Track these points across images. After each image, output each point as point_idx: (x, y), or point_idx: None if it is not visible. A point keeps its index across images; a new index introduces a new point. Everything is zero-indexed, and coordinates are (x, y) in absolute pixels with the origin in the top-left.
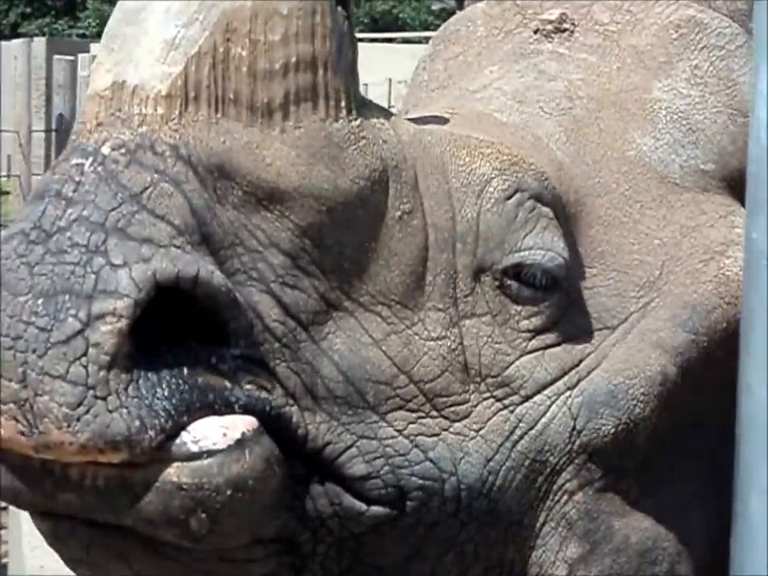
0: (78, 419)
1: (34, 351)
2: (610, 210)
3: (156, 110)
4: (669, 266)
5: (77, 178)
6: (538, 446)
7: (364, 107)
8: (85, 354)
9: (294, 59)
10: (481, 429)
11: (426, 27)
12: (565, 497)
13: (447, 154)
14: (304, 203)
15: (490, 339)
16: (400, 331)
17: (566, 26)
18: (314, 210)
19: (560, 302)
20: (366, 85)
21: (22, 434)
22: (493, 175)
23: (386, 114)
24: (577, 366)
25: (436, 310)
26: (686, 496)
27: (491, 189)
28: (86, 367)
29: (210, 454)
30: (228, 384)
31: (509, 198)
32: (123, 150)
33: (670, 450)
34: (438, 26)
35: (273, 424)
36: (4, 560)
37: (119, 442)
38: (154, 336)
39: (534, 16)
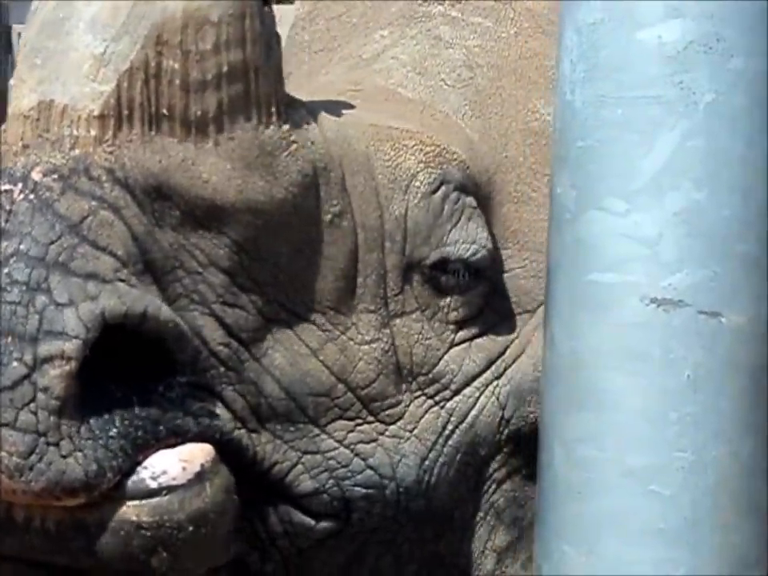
0: (31, 468)
1: None
2: (519, 186)
3: (89, 131)
4: None
5: (7, 207)
6: (469, 438)
7: (289, 107)
8: (33, 400)
9: (225, 68)
10: (414, 429)
11: None
12: (494, 486)
13: (371, 149)
14: (241, 218)
15: (420, 336)
16: (335, 338)
17: None
18: (251, 223)
19: (484, 291)
20: None
21: None
22: (418, 169)
23: (309, 110)
24: (503, 354)
25: (368, 312)
26: None
27: (417, 183)
28: (35, 413)
29: (170, 489)
30: (179, 413)
31: (434, 191)
32: (56, 176)
33: None
34: None
35: (224, 450)
36: None
37: (77, 488)
38: (99, 371)
39: None
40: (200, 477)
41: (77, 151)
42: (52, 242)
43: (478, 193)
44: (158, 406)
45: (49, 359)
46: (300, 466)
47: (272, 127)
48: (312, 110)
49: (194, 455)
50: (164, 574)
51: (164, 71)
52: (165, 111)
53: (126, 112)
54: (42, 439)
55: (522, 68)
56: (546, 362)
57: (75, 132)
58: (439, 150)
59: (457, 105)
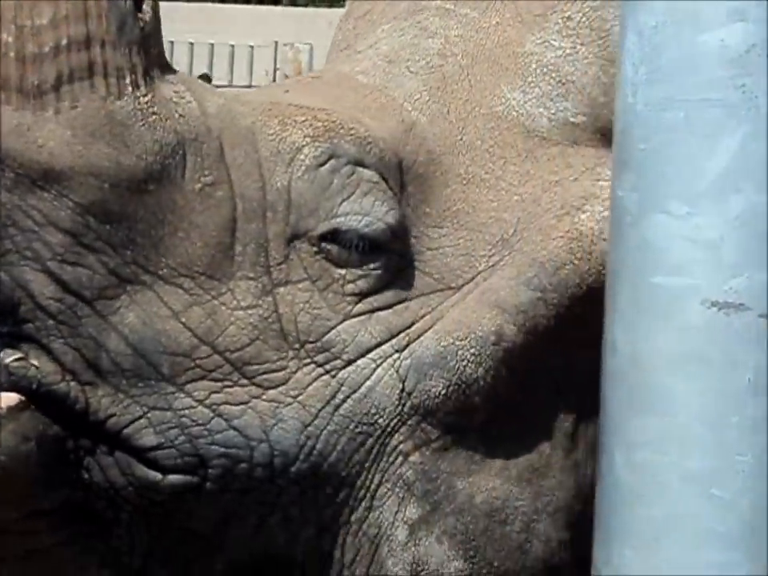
0: None
1: None
2: (471, 168)
3: None
4: (524, 223)
5: None
6: (364, 408)
7: (165, 81)
8: None
9: (64, 41)
10: (299, 395)
11: None
12: (400, 458)
13: (258, 123)
14: (83, 181)
15: (307, 305)
16: (204, 302)
17: None
18: (95, 187)
19: (388, 265)
20: (251, 47)
21: None
22: (304, 143)
23: (194, 86)
24: (408, 328)
25: (246, 279)
26: (547, 454)
27: (302, 156)
28: None
29: None
30: None
31: (321, 164)
32: None
33: (524, 407)
34: None
35: (44, 399)
36: None
37: None
38: None
39: None
40: None
41: None
42: None
43: (413, 170)
44: None
45: None
46: (143, 420)
47: (125, 98)
48: (194, 88)
49: None
50: None
51: None
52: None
53: None
54: None
55: (495, 55)
56: (607, 366)
57: None
58: (331, 124)
59: (412, 90)
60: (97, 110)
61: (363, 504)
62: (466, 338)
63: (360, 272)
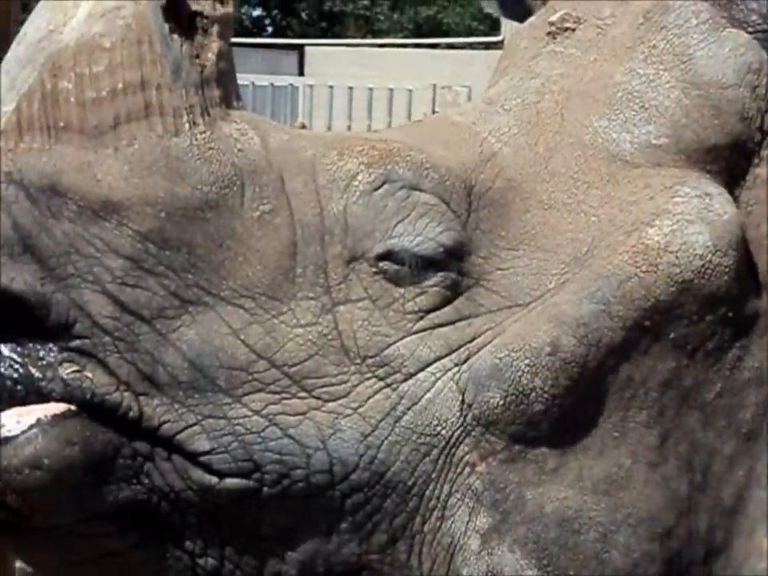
0: None
1: None
2: (554, 194)
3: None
4: (597, 242)
5: None
6: (425, 420)
7: (228, 120)
8: None
9: (120, 85)
10: (359, 407)
11: (470, 33)
12: (467, 468)
13: (317, 155)
14: (140, 211)
15: (366, 322)
16: (264, 321)
17: (567, 24)
18: (152, 216)
19: (446, 283)
20: (410, 90)
21: None
22: (359, 170)
23: (261, 125)
24: (469, 342)
25: (306, 299)
26: (627, 467)
27: (356, 183)
28: None
29: (7, 440)
30: (48, 375)
31: (376, 189)
32: None
33: (598, 419)
34: (482, 31)
35: (98, 408)
36: None
37: None
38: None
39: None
40: (32, 428)
41: None
42: None
43: (482, 197)
44: (32, 367)
45: None
46: (197, 427)
47: (182, 135)
48: (260, 126)
49: (31, 411)
50: (31, 516)
51: (60, 91)
52: (62, 124)
53: (26, 128)
54: None
55: (589, 89)
56: None
57: None
58: (386, 152)
59: (501, 125)
60: (153, 147)
61: (435, 514)
62: (521, 349)
63: (418, 290)
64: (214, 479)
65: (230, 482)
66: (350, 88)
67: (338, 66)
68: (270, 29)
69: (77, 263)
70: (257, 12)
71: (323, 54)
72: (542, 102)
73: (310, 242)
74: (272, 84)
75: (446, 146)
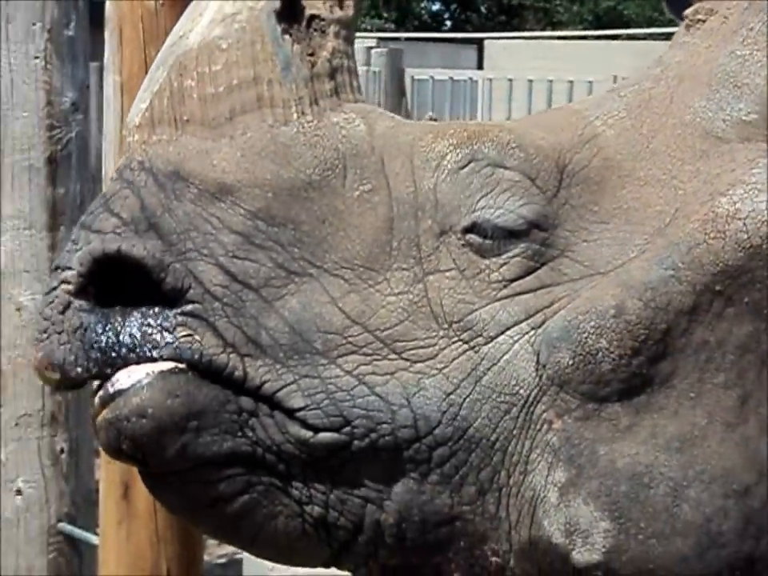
0: (41, 341)
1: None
2: (652, 171)
3: (134, 137)
4: (679, 213)
5: None
6: (504, 380)
7: (337, 111)
8: (52, 302)
9: (235, 81)
10: (444, 368)
11: (651, 24)
12: (545, 425)
13: (416, 139)
14: (249, 192)
15: (453, 290)
16: (361, 290)
17: (699, 16)
18: (260, 196)
19: (529, 253)
20: (590, 82)
21: None
22: (448, 150)
23: (371, 114)
24: (546, 308)
25: (401, 270)
26: (701, 426)
27: (445, 162)
28: (52, 310)
29: (119, 393)
30: (165, 337)
31: (462, 167)
32: (117, 172)
33: (673, 380)
34: (663, 22)
35: (207, 367)
36: (237, 555)
37: (55, 365)
38: (121, 298)
39: None
40: (140, 382)
41: (128, 153)
42: (91, 213)
43: (576, 174)
44: (151, 329)
45: (61, 282)
46: (294, 385)
47: (290, 125)
48: (370, 115)
49: (143, 368)
50: (147, 461)
51: (185, 89)
52: (186, 118)
53: (157, 122)
54: (52, 327)
55: (698, 73)
56: None
57: (130, 139)
58: (474, 134)
59: (611, 109)
60: (263, 135)
61: (518, 468)
62: (588, 311)
63: (501, 260)
64: (310, 433)
65: (323, 435)
66: (530, 81)
67: (518, 59)
68: (448, 23)
69: (195, 239)
70: (436, 6)
71: (502, 48)
72: (655, 88)
73: (405, 218)
74: (451, 78)
75: (549, 129)
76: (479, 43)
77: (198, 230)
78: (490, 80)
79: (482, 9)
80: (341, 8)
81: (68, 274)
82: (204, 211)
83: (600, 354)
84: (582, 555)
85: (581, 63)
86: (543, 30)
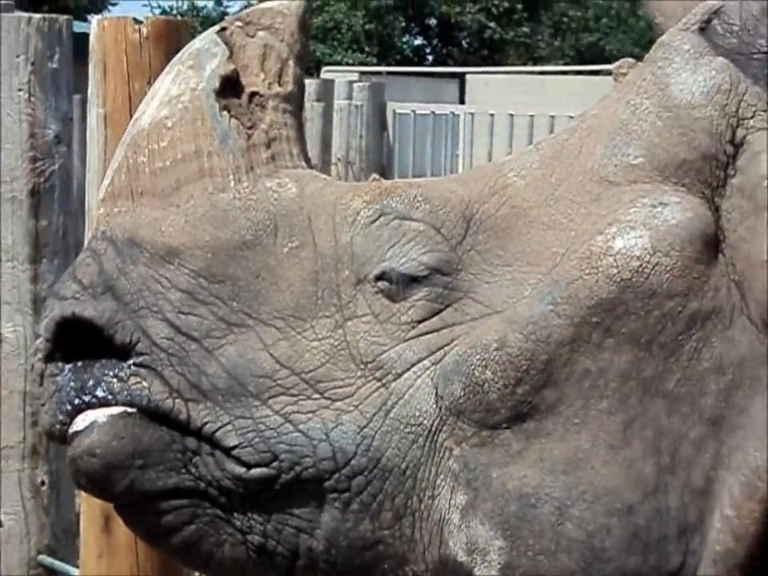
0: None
1: None
2: (554, 216)
3: (100, 210)
4: (567, 252)
5: None
6: (410, 412)
7: (271, 177)
8: (35, 376)
9: (179, 155)
10: (360, 404)
11: (633, 59)
12: (447, 453)
13: (338, 197)
14: (192, 253)
15: (368, 333)
16: (289, 337)
17: (622, 70)
18: (201, 257)
19: (434, 296)
20: (571, 117)
21: None
22: (362, 206)
23: (304, 178)
24: (446, 345)
25: (324, 317)
26: (585, 449)
27: (359, 217)
28: (34, 383)
29: (76, 434)
30: (120, 385)
31: (374, 221)
32: (86, 244)
33: (559, 408)
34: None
35: (154, 411)
36: None
37: (45, 431)
38: (72, 356)
39: None
40: (91, 425)
41: (96, 225)
42: (61, 281)
43: (483, 223)
44: (111, 380)
45: (36, 352)
46: (229, 426)
47: (228, 191)
48: (302, 179)
49: (95, 412)
50: (101, 495)
51: (138, 165)
52: (140, 190)
53: (117, 195)
54: (37, 400)
55: (604, 124)
56: None
57: (96, 212)
58: (385, 191)
59: (526, 161)
60: (204, 202)
61: (427, 493)
62: (474, 345)
63: (408, 304)
64: (243, 469)
65: (255, 471)
66: (511, 115)
67: (499, 94)
68: (430, 57)
69: (147, 297)
70: (417, 41)
71: (484, 82)
72: (569, 139)
73: (327, 270)
74: (433, 112)
75: (462, 182)
76: (461, 77)
77: (150, 289)
78: (472, 114)
79: (464, 43)
80: (279, 84)
81: (39, 343)
82: (155, 273)
83: (486, 384)
84: (481, 572)
85: (562, 98)
86: (525, 64)
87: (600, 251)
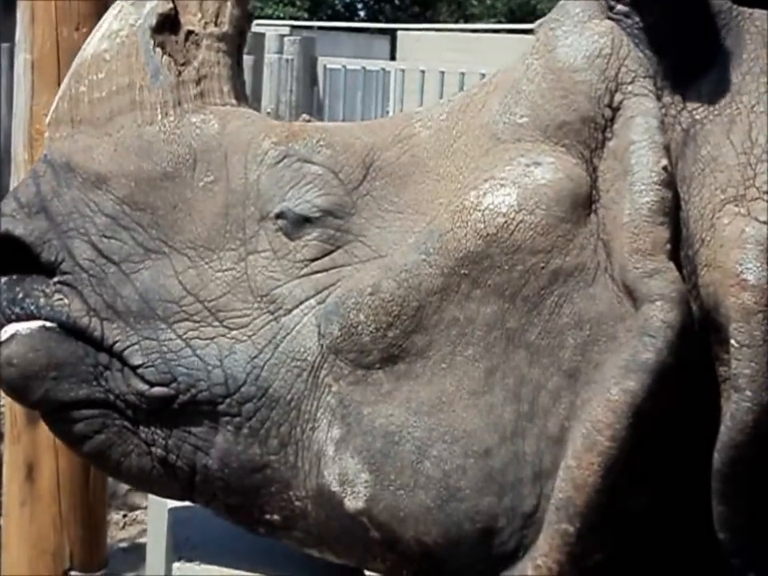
0: None
1: None
2: (449, 168)
3: (46, 134)
4: (450, 204)
5: None
6: (296, 347)
7: (197, 112)
8: None
9: (114, 87)
10: (253, 335)
11: None
12: (327, 389)
13: (253, 137)
14: (118, 181)
15: (265, 268)
16: (198, 266)
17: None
18: (126, 185)
19: (325, 237)
20: None
21: None
22: (270, 147)
23: (228, 115)
24: (332, 286)
25: (230, 250)
26: (449, 393)
27: (267, 157)
28: None
29: (0, 344)
30: (45, 300)
31: (278, 162)
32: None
33: (428, 352)
34: None
35: (72, 327)
36: (140, 540)
37: None
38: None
39: None
40: (12, 336)
41: (40, 148)
42: (5, 200)
43: (381, 170)
44: (38, 295)
45: None
46: (136, 346)
47: (154, 124)
48: (226, 116)
49: (17, 325)
50: (22, 402)
51: (79, 93)
52: (79, 118)
53: (60, 122)
54: None
55: (506, 81)
56: None
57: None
58: (292, 133)
59: (434, 114)
60: (132, 133)
61: (309, 425)
62: (350, 290)
63: (302, 242)
64: (146, 386)
65: (156, 389)
66: (442, 72)
67: (430, 51)
68: (362, 13)
69: (76, 220)
70: None
71: (415, 39)
72: (478, 94)
73: (236, 205)
74: (364, 68)
75: (369, 130)
76: (392, 34)
77: (79, 212)
78: (403, 71)
79: (396, 0)
80: (216, 24)
81: None
82: (85, 197)
83: (360, 326)
84: (350, 502)
85: (493, 56)
86: (456, 22)
87: (471, 206)
